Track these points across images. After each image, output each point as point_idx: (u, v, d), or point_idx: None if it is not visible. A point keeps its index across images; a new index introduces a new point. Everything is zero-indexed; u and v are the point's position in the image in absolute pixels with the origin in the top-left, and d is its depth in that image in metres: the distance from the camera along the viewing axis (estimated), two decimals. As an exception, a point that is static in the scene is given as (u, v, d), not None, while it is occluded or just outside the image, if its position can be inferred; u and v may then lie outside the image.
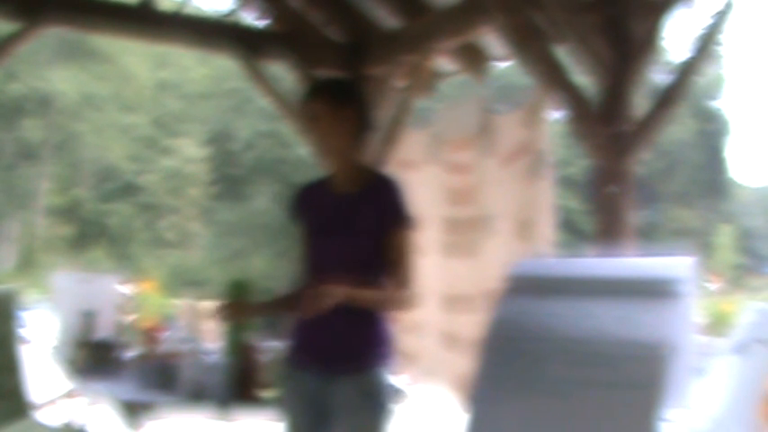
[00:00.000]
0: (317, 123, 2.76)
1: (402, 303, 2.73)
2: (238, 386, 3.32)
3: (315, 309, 2.52)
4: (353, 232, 2.72)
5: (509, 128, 4.32)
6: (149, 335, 4.02)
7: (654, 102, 3.87)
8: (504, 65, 5.53)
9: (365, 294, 2.66)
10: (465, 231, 4.62)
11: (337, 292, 2.55)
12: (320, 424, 2.72)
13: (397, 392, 2.78)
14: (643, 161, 3.89)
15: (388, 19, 5.51)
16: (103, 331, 4.22)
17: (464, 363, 3.77)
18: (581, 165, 20.67)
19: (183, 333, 3.91)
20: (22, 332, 3.88)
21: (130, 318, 4.71)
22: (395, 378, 2.77)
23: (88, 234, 28.66)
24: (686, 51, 3.89)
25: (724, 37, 4.04)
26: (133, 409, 3.25)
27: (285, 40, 5.65)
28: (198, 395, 3.37)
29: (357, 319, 2.67)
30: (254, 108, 28.90)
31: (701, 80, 4.16)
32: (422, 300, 2.87)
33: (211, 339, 3.72)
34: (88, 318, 4.20)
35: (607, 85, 3.86)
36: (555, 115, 4.18)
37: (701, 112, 33.02)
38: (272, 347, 3.44)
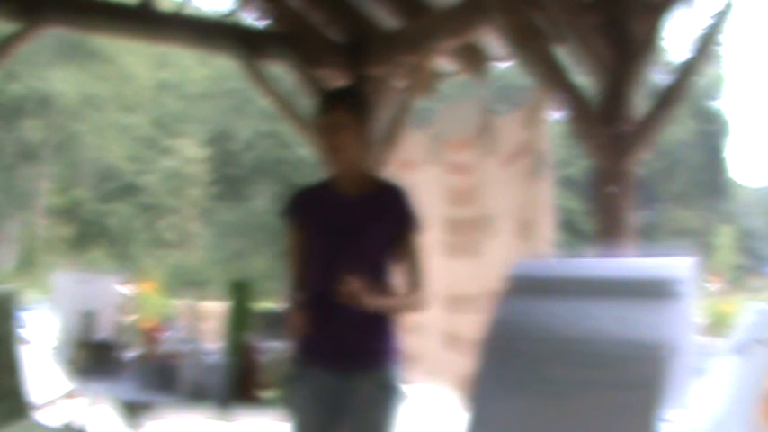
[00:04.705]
0: (336, 133, 2.75)
1: (417, 306, 2.82)
2: (238, 386, 3.32)
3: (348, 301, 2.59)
4: (365, 237, 2.76)
5: (509, 128, 4.32)
6: (149, 335, 4.02)
7: (654, 102, 3.87)
8: (504, 65, 5.52)
9: (385, 302, 2.73)
10: (466, 232, 4.62)
11: (363, 300, 2.60)
12: (331, 421, 2.74)
13: (404, 390, 2.80)
14: (643, 161, 3.89)
15: (388, 19, 5.51)
16: (103, 331, 4.21)
17: (465, 363, 3.77)
18: (581, 165, 20.67)
19: (183, 333, 3.90)
20: (22, 332, 3.88)
21: (130, 318, 4.70)
22: (405, 375, 2.80)
23: (88, 234, 28.68)
24: (686, 51, 3.90)
25: (724, 37, 4.03)
26: (133, 409, 3.25)
27: (285, 40, 5.65)
28: (198, 395, 3.36)
29: (370, 317, 2.72)
30: (254, 108, 28.92)
31: (701, 80, 4.16)
32: (428, 300, 2.90)
33: (211, 339, 3.72)
34: (88, 318, 4.19)
35: (607, 85, 3.86)
36: (555, 115, 4.18)
37: (701, 112, 33.02)
38: (272, 347, 3.44)
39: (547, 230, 4.04)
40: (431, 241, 3.50)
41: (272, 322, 3.55)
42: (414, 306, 2.82)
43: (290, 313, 2.76)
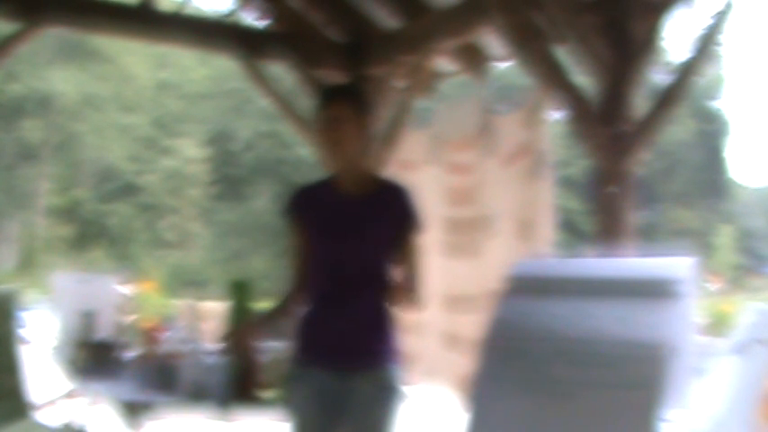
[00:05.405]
0: (337, 127, 2.75)
1: (414, 302, 2.80)
2: (238, 386, 3.32)
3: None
4: (366, 236, 2.75)
5: (509, 128, 4.32)
6: (149, 335, 4.02)
7: (654, 102, 3.87)
8: (504, 65, 5.52)
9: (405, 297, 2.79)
10: (465, 232, 4.62)
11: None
12: (331, 421, 2.74)
13: (404, 391, 2.80)
14: (643, 161, 3.89)
15: (388, 19, 5.51)
16: (103, 331, 4.21)
17: (465, 363, 3.78)
18: (581, 165, 20.67)
19: (183, 333, 3.90)
20: (22, 332, 3.88)
21: (130, 318, 4.70)
22: (405, 375, 2.80)
23: (88, 234, 28.66)
24: (686, 51, 3.90)
25: (724, 37, 4.03)
26: (133, 409, 3.25)
27: (285, 40, 5.65)
28: (198, 395, 3.36)
29: (370, 317, 2.71)
30: (254, 108, 28.89)
31: (700, 80, 4.16)
32: (424, 300, 2.90)
33: (211, 339, 3.72)
34: (88, 318, 4.19)
35: (607, 85, 3.86)
36: (555, 115, 4.18)
37: (701, 112, 33.01)
38: (272, 347, 3.44)
39: (547, 230, 4.04)
40: (431, 241, 3.51)
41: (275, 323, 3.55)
42: (411, 299, 2.81)
43: (279, 310, 2.82)
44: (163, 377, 3.47)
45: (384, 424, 2.71)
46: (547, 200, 4.07)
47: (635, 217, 3.85)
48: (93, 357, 4.04)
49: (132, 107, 30.49)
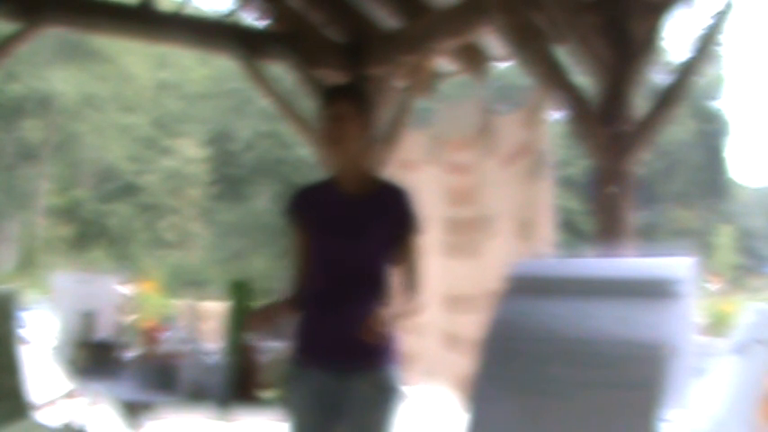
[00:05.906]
0: (339, 125, 2.76)
1: (415, 311, 2.81)
2: (238, 386, 3.32)
3: (376, 334, 2.56)
4: (364, 237, 2.76)
5: (509, 128, 4.32)
6: (149, 335, 4.02)
7: (654, 102, 3.87)
8: (504, 65, 5.52)
9: (398, 311, 2.73)
10: (465, 232, 4.62)
11: (390, 319, 2.61)
12: (329, 422, 2.75)
13: (403, 391, 2.80)
14: (643, 161, 3.89)
15: (388, 19, 5.51)
16: (103, 331, 4.21)
17: (465, 363, 3.78)
18: (581, 165, 20.67)
19: (183, 333, 3.91)
20: (22, 332, 3.88)
21: (130, 318, 4.71)
22: (404, 375, 2.80)
23: (88, 234, 28.66)
24: (686, 51, 3.90)
25: (724, 37, 4.03)
26: (133, 409, 3.25)
27: (285, 40, 5.65)
28: (198, 395, 3.36)
29: (366, 317, 2.71)
30: (254, 108, 28.89)
31: (700, 80, 4.16)
32: (423, 301, 2.90)
33: (211, 339, 3.72)
34: (88, 318, 4.19)
35: (607, 85, 3.86)
36: (555, 115, 4.18)
37: (701, 112, 33.01)
38: (272, 347, 3.44)
39: (547, 230, 4.04)
40: (431, 241, 3.52)
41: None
42: (412, 312, 2.82)
43: (271, 306, 2.81)
44: (163, 377, 3.47)
45: (382, 424, 2.71)
46: (547, 200, 4.08)
47: (635, 217, 3.85)
48: (93, 357, 4.04)
49: (132, 107, 30.49)
